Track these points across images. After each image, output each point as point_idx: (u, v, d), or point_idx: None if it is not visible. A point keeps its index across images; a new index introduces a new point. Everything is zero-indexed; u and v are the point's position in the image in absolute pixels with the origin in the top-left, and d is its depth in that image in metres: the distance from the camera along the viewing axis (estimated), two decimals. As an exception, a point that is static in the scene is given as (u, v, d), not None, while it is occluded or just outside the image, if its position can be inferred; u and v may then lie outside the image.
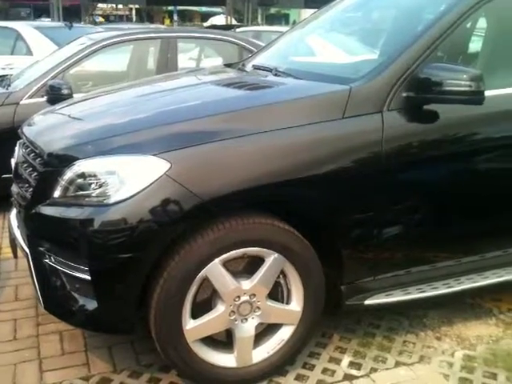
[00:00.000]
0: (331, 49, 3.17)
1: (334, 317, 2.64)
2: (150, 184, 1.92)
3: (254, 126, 2.05)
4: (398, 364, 2.41)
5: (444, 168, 2.35)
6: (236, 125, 2.05)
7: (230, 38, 5.18)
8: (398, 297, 2.39)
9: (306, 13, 19.21)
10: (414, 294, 2.41)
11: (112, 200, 1.94)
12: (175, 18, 28.35)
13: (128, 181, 1.95)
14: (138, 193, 1.92)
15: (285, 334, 2.25)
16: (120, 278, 1.99)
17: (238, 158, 2.01)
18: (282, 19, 32.36)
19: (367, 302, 2.35)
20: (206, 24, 23.22)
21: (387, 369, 2.38)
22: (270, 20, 29.43)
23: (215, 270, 2.04)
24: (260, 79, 2.69)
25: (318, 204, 2.15)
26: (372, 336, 2.61)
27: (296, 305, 2.22)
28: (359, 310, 2.49)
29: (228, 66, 3.30)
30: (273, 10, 30.63)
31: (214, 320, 2.12)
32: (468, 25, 2.67)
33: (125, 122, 2.25)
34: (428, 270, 2.47)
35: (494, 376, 2.34)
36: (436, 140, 2.28)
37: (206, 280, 2.05)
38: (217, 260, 2.03)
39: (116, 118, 2.34)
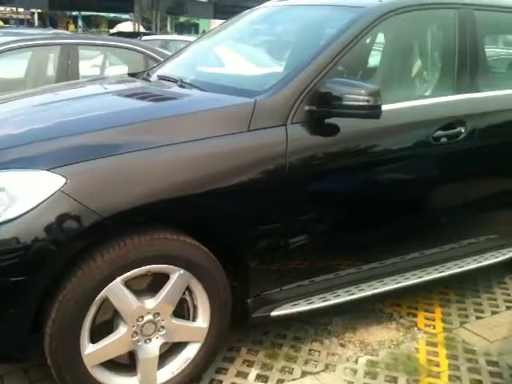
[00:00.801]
0: (238, 60, 3.19)
1: (241, 329, 2.63)
2: (43, 201, 1.80)
3: (154, 140, 1.99)
4: (304, 374, 2.44)
5: (345, 179, 2.42)
6: (136, 138, 1.99)
7: (135, 46, 5.07)
8: (303, 307, 2.43)
9: (216, 23, 19.33)
10: (317, 304, 2.45)
11: (0, 219, 1.79)
12: (80, 23, 27.35)
13: (19, 198, 1.81)
14: (30, 210, 1.80)
15: (191, 351, 2.20)
16: (10, 302, 1.84)
17: (138, 172, 1.94)
18: (192, 28, 32.31)
19: (274, 313, 2.36)
20: (112, 31, 22.64)
21: (294, 379, 2.40)
22: (180, 29, 29.26)
23: (116, 290, 1.95)
24: (164, 90, 2.63)
25: (223, 217, 2.13)
26: (279, 347, 2.62)
27: (202, 321, 2.18)
28: (266, 322, 2.49)
29: (132, 75, 3.21)
30: (182, 19, 30.47)
31: (115, 343, 2.02)
32: (368, 40, 2.79)
33: (18, 133, 2.11)
34: (331, 279, 2.53)
35: (395, 380, 2.43)
36: (337, 152, 2.35)
37: (106, 301, 1.95)
38: (118, 279, 1.94)
39: (8, 128, 2.18)
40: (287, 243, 2.32)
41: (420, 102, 2.66)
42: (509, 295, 3.25)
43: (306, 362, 2.52)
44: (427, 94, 2.78)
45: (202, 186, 2.03)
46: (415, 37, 2.86)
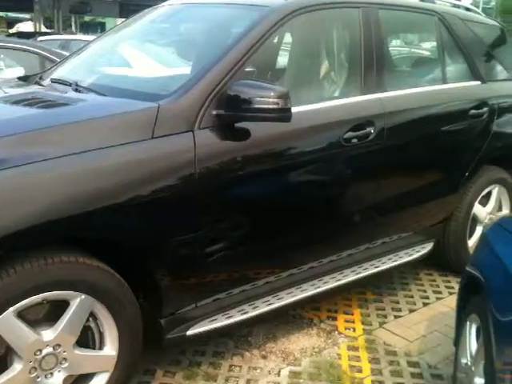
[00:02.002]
0: (142, 62, 2.99)
1: (156, 350, 2.45)
2: None
3: (40, 152, 1.77)
4: (225, 393, 2.31)
5: (257, 185, 2.32)
6: (18, 151, 1.75)
7: (31, 48, 4.69)
8: (221, 322, 2.30)
9: (123, 22, 18.67)
10: (236, 317, 2.33)
11: None
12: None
13: None
14: None
15: (100, 382, 2.00)
16: None
17: (21, 190, 1.71)
18: (98, 27, 31.12)
19: (190, 332, 2.22)
20: (12, 30, 21.32)
21: (214, 400, 2.27)
22: (86, 28, 28.05)
23: (7, 323, 1.73)
24: (56, 95, 2.39)
25: (127, 234, 1.95)
26: (198, 365, 2.47)
27: (110, 349, 1.99)
28: (183, 342, 2.34)
29: (23, 78, 2.92)
30: (87, 18, 29.27)
31: (10, 382, 1.78)
32: (275, 40, 2.70)
33: None
34: (249, 290, 2.42)
35: (318, 389, 2.36)
36: (248, 157, 2.23)
37: (-4, 336, 1.72)
38: (9, 311, 1.72)
39: None
40: (202, 256, 2.18)
41: (329, 103, 2.61)
42: (425, 291, 3.30)
43: (227, 380, 2.39)
44: (336, 94, 2.75)
45: (99, 201, 1.84)
46: (321, 37, 2.82)
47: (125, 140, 1.93)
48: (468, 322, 2.06)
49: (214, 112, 2.14)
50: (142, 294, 2.13)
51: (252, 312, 2.39)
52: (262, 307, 2.43)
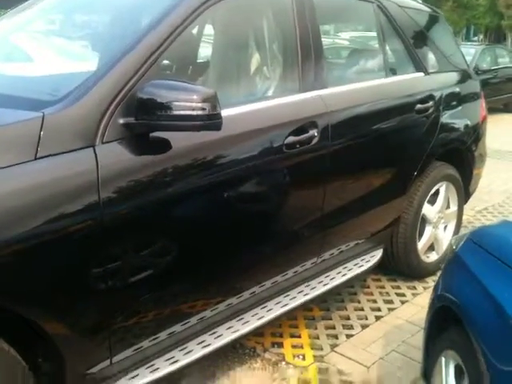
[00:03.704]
0: (30, 56, 2.44)
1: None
2: None
3: None
4: None
5: (182, 206, 1.88)
6: None
7: None
8: (145, 378, 1.87)
9: None
10: (164, 369, 1.92)
11: None
12: None
13: None
14: None
15: None
16: None
17: None
18: None
19: (106, 395, 1.77)
20: None
21: None
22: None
23: None
24: None
25: (10, 285, 1.47)
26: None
27: None
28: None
29: None
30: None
31: None
32: (194, 31, 2.26)
33: None
34: (180, 332, 2.01)
35: None
36: (168, 174, 1.79)
37: None
38: None
39: None
40: (115, 299, 1.74)
41: (264, 103, 2.20)
42: (375, 301, 3.01)
43: None
44: (270, 93, 2.33)
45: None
46: (250, 27, 2.39)
47: None
48: (443, 358, 1.74)
49: (122, 121, 1.69)
50: (38, 355, 1.67)
51: (184, 359, 1.98)
52: (196, 350, 2.03)
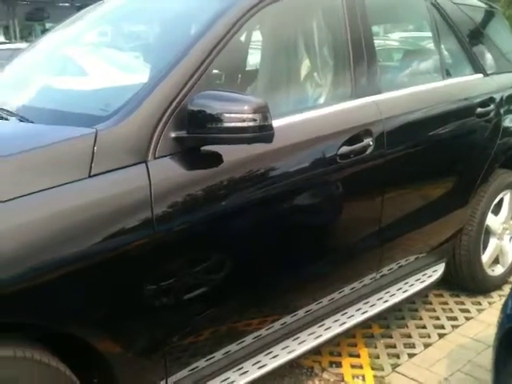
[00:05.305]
0: (88, 71, 2.45)
1: None
2: None
3: None
4: None
5: (238, 221, 1.81)
6: None
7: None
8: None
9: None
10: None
11: None
12: None
13: None
14: None
15: None
16: None
17: None
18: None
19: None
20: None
21: None
22: (48, 37, 27.07)
23: None
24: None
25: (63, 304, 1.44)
26: None
27: None
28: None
29: None
30: (48, 26, 28.35)
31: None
32: (243, 38, 2.21)
33: None
34: (236, 351, 1.94)
35: None
36: (222, 189, 1.73)
37: None
38: None
39: None
40: (170, 317, 1.69)
41: (316, 112, 2.10)
42: (438, 318, 2.84)
43: None
44: (322, 101, 2.24)
45: (22, 274, 1.33)
46: (299, 31, 2.30)
47: (49, 183, 1.42)
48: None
49: (173, 134, 1.64)
50: (95, 372, 1.63)
51: (240, 380, 1.90)
52: (252, 372, 1.95)
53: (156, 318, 1.66)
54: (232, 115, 1.58)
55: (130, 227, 1.52)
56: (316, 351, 2.48)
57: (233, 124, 1.58)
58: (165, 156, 1.62)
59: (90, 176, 1.48)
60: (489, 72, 2.97)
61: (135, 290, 1.58)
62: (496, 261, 3.08)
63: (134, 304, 1.60)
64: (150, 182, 1.56)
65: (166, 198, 1.59)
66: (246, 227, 1.86)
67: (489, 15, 3.30)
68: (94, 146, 1.51)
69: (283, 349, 2.07)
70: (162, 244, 1.59)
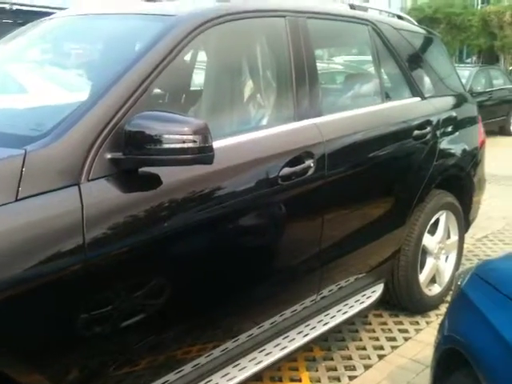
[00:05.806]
0: (20, 88, 2.34)
1: None
2: None
3: None
4: None
5: (176, 245, 1.77)
6: None
7: None
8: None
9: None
10: None
11: None
12: None
13: None
14: None
15: None
16: None
17: None
18: None
19: None
20: None
21: None
22: None
23: None
24: None
25: None
26: None
27: None
28: None
29: None
30: None
31: None
32: (185, 58, 2.17)
33: None
34: (174, 380, 1.86)
35: None
36: (160, 211, 1.68)
37: None
38: None
39: None
40: (105, 347, 1.61)
41: (258, 133, 2.09)
42: (377, 339, 2.86)
43: None
44: (264, 122, 2.24)
45: None
46: (242, 53, 2.31)
47: None
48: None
49: (109, 156, 1.58)
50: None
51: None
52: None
53: (91, 348, 1.58)
54: (171, 136, 1.53)
55: (60, 253, 1.44)
56: (256, 377, 2.44)
57: (172, 145, 1.54)
58: (99, 178, 1.55)
59: (16, 200, 1.39)
60: (426, 95, 3.06)
61: (66, 319, 1.50)
62: (433, 280, 3.15)
63: (65, 334, 1.51)
64: (82, 204, 1.48)
65: (99, 221, 1.52)
66: (182, 252, 1.81)
67: (428, 41, 3.42)
68: (22, 168, 1.42)
69: (223, 377, 2.01)
70: (94, 270, 1.51)
